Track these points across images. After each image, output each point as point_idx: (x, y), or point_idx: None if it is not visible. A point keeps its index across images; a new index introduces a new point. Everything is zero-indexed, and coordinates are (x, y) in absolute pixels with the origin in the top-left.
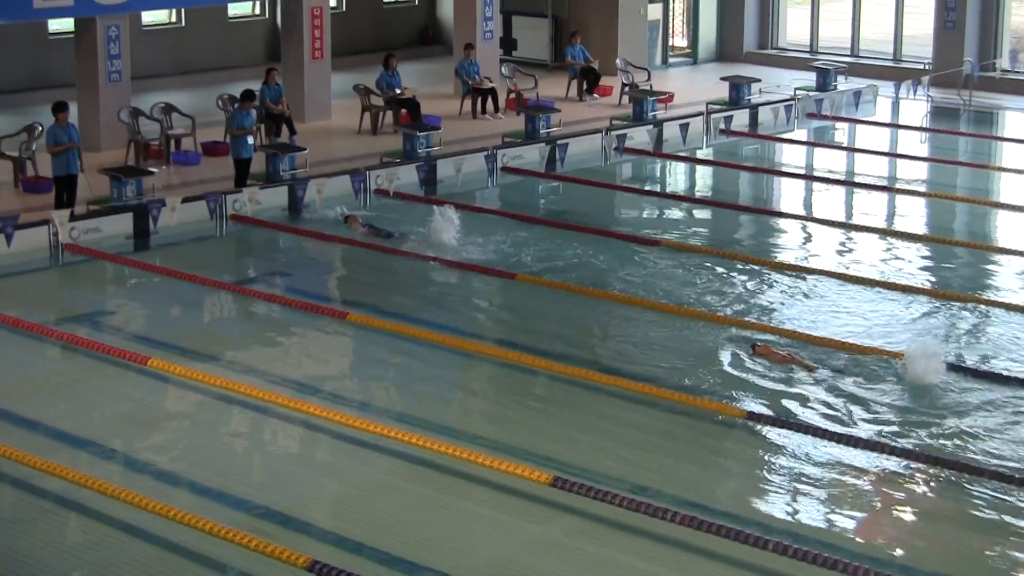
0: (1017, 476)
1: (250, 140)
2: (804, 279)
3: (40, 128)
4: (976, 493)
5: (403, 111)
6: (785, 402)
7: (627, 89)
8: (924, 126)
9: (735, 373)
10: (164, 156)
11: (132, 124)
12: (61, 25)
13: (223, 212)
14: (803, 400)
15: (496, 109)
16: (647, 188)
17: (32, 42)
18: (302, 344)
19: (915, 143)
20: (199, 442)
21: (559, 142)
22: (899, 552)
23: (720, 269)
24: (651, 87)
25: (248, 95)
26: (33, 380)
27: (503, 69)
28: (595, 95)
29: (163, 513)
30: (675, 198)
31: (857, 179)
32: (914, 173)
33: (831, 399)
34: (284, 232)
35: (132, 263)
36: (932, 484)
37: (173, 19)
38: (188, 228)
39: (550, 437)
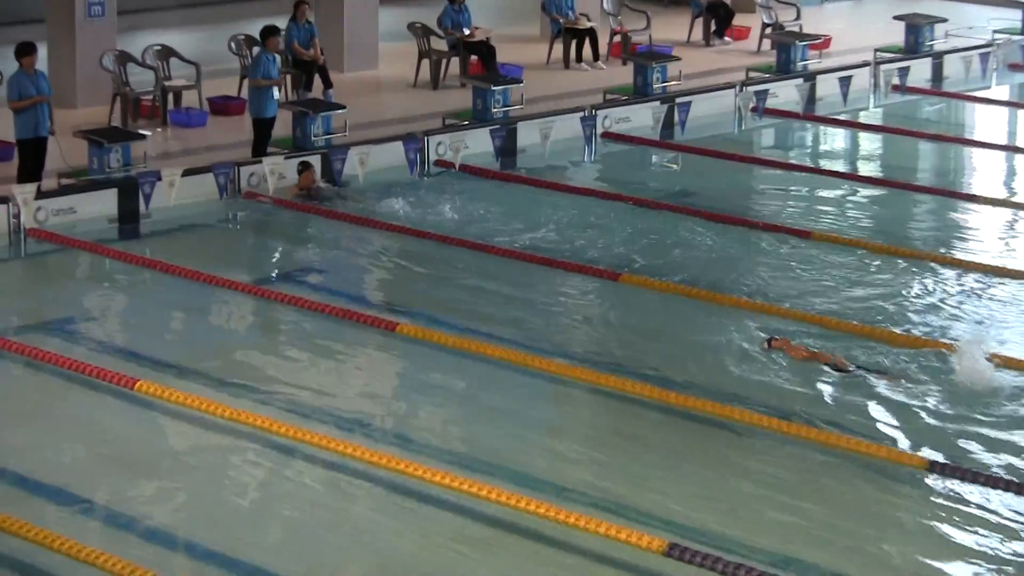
0: None
1: (274, 94)
2: (1006, 284)
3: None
4: None
5: (473, 58)
6: (964, 444)
7: (769, 31)
8: None
9: (919, 415)
10: (160, 115)
11: (118, 73)
12: None
13: (236, 189)
14: (987, 442)
15: (596, 56)
16: (794, 161)
17: None
18: (337, 364)
19: None
20: (201, 491)
21: (678, 101)
22: None
23: (893, 271)
24: (801, 28)
25: (271, 32)
26: None
27: (606, 3)
28: (726, 39)
29: None
30: (832, 175)
31: None
32: None
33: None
34: (314, 215)
35: (116, 254)
36: None
37: None
38: (190, 210)
39: (663, 490)
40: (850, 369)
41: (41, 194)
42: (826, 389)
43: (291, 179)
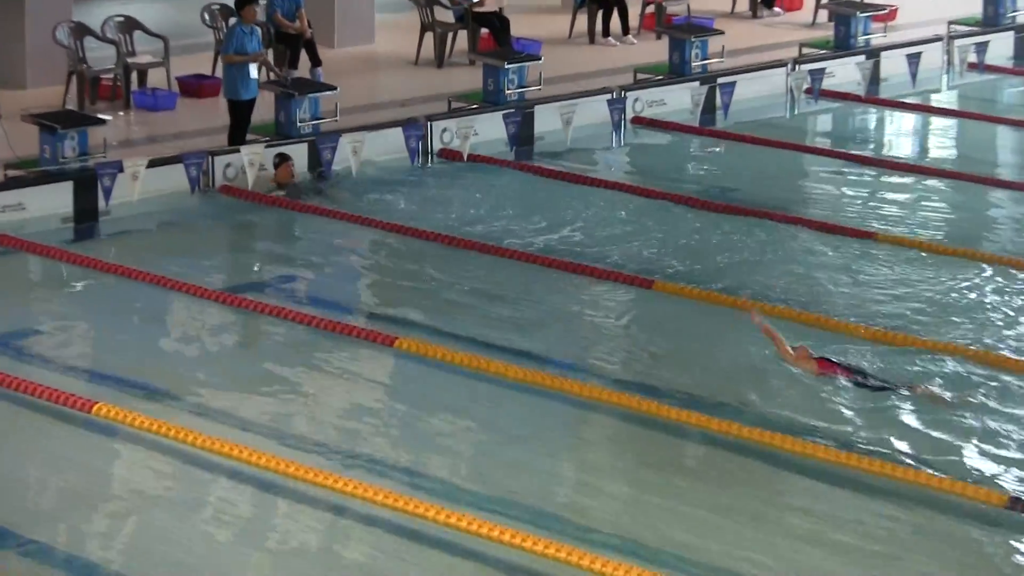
0: None
1: (253, 73)
2: None
3: None
4: None
5: (483, 31)
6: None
7: (826, 0)
8: None
9: (996, 445)
10: (122, 96)
11: (74, 48)
12: None
13: (210, 182)
14: None
15: (626, 30)
16: (855, 152)
17: None
18: (326, 385)
19: None
20: (170, 532)
21: (721, 81)
22: None
23: (969, 278)
24: None
25: (248, 1)
26: None
27: None
28: (776, 9)
29: None
30: (898, 167)
31: None
32: None
33: None
34: (300, 213)
35: (72, 258)
36: None
37: None
38: (157, 206)
39: (700, 531)
40: (867, 382)
41: None
42: (884, 416)
43: (273, 169)
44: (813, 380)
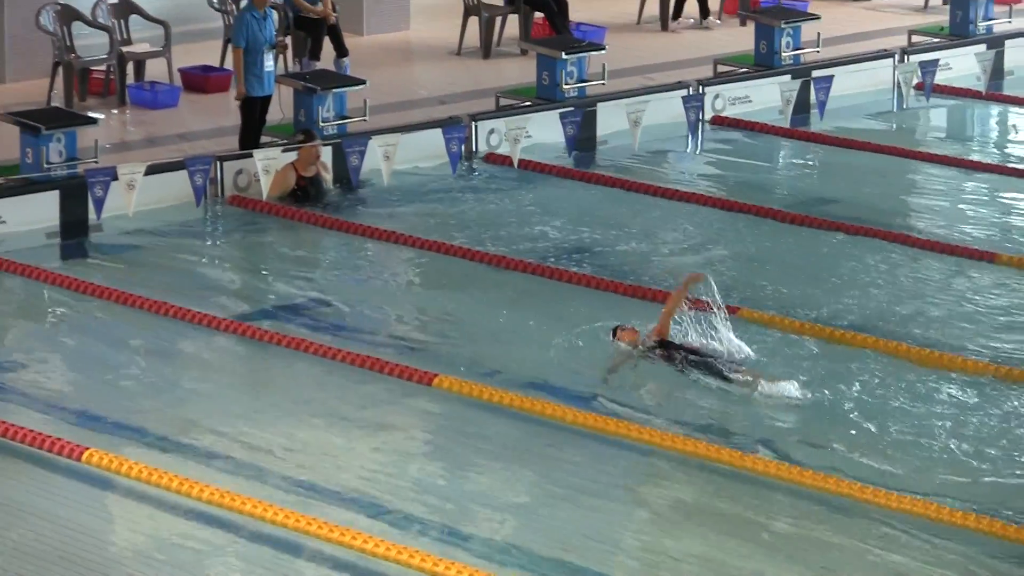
0: None
1: (268, 65)
2: None
3: None
4: None
5: (537, 16)
6: None
7: None
8: None
9: None
10: (116, 91)
11: (60, 35)
12: None
13: (219, 191)
14: None
15: (705, 14)
16: (974, 158)
17: None
18: (352, 429)
19: None
20: None
21: (816, 75)
22: None
23: None
24: None
25: None
26: None
27: None
28: None
29: None
30: None
31: None
32: None
33: None
34: (323, 228)
35: (57, 279)
36: None
37: None
38: (156, 219)
39: None
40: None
41: None
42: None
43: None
44: (928, 424)
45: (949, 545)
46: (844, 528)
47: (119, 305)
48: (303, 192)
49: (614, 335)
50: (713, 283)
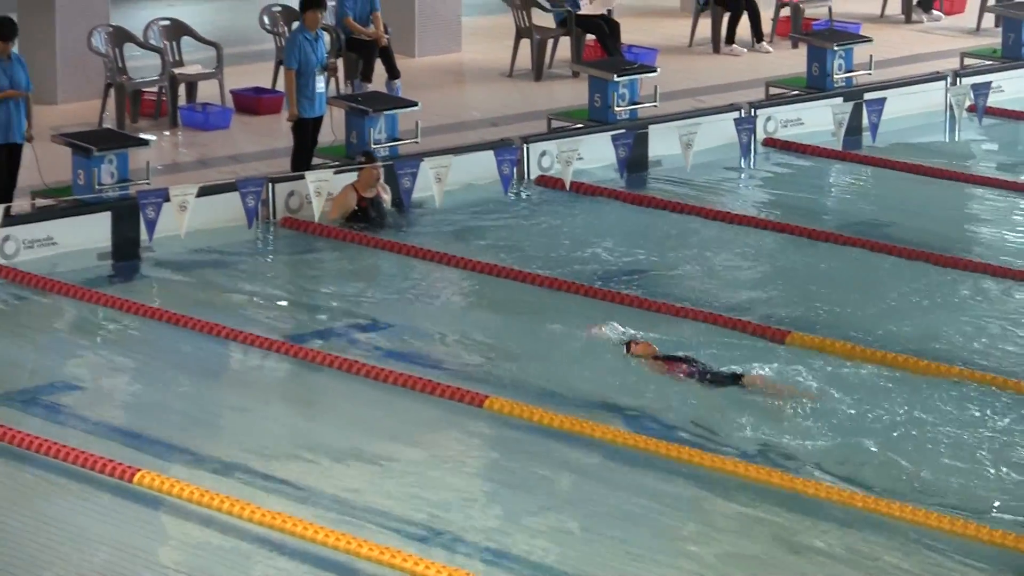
0: None
1: (319, 86)
2: None
3: None
4: None
5: (589, 38)
6: None
7: (993, 2)
8: None
9: None
10: (167, 113)
11: (112, 56)
12: None
13: (270, 213)
14: None
15: (758, 36)
16: None
17: None
18: (402, 452)
19: None
20: None
21: (868, 97)
22: None
23: None
24: None
25: (312, 3)
26: None
27: None
28: (935, 12)
29: None
30: None
31: None
32: None
33: None
34: (374, 249)
35: (109, 301)
36: None
37: None
38: (208, 240)
39: None
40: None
41: (9, 219)
42: None
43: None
44: (992, 450)
45: None
46: (909, 552)
47: (170, 326)
48: (364, 213)
49: (628, 349)
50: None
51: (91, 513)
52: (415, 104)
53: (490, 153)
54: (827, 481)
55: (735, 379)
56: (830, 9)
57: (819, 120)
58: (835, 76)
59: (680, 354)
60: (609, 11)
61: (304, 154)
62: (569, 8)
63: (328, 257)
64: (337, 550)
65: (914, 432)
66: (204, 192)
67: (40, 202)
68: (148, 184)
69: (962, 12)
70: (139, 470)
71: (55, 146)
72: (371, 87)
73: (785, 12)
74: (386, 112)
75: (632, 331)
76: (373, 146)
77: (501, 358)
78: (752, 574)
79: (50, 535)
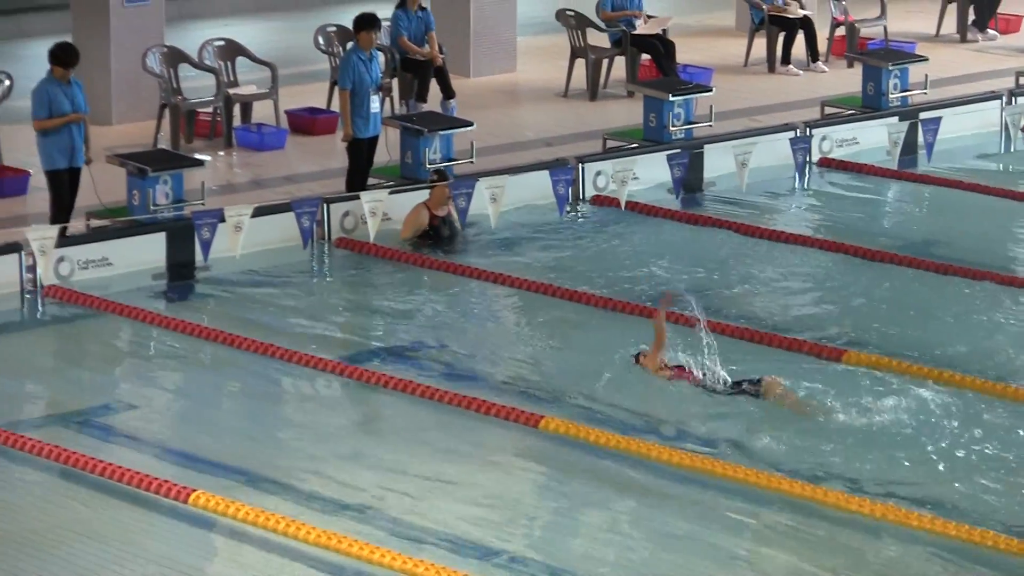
0: None
1: (374, 106)
2: None
3: (10, 83)
4: None
5: (645, 58)
6: None
7: None
8: None
9: None
10: (222, 133)
11: (167, 77)
12: None
13: (326, 234)
14: None
15: (814, 56)
16: None
17: None
18: (459, 471)
19: None
20: None
21: (924, 116)
22: None
23: None
24: None
25: (366, 23)
26: None
27: None
28: (990, 31)
29: None
30: None
31: None
32: None
33: None
34: (430, 270)
35: (164, 321)
36: None
37: None
38: (262, 261)
39: None
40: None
41: (64, 240)
42: None
43: (398, 220)
44: None
45: None
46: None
47: (226, 347)
48: (435, 232)
49: (636, 360)
50: (692, 299)
51: (147, 533)
52: (470, 124)
53: (545, 173)
54: (884, 501)
55: (754, 384)
56: (885, 28)
57: (874, 140)
58: (890, 95)
59: (683, 360)
60: (664, 31)
61: (359, 174)
62: (624, 28)
63: (383, 277)
64: (393, 570)
65: (973, 452)
66: (259, 212)
67: (95, 223)
68: (203, 204)
69: (1017, 31)
70: (195, 490)
71: (110, 167)
72: (426, 107)
73: (840, 32)
74: (441, 132)
75: (644, 345)
76: (428, 166)
77: (556, 378)
78: None
79: (106, 555)
